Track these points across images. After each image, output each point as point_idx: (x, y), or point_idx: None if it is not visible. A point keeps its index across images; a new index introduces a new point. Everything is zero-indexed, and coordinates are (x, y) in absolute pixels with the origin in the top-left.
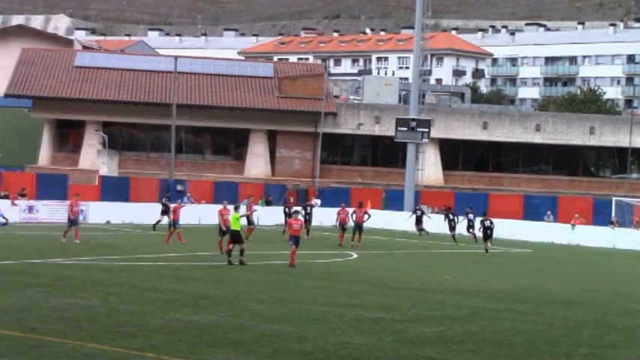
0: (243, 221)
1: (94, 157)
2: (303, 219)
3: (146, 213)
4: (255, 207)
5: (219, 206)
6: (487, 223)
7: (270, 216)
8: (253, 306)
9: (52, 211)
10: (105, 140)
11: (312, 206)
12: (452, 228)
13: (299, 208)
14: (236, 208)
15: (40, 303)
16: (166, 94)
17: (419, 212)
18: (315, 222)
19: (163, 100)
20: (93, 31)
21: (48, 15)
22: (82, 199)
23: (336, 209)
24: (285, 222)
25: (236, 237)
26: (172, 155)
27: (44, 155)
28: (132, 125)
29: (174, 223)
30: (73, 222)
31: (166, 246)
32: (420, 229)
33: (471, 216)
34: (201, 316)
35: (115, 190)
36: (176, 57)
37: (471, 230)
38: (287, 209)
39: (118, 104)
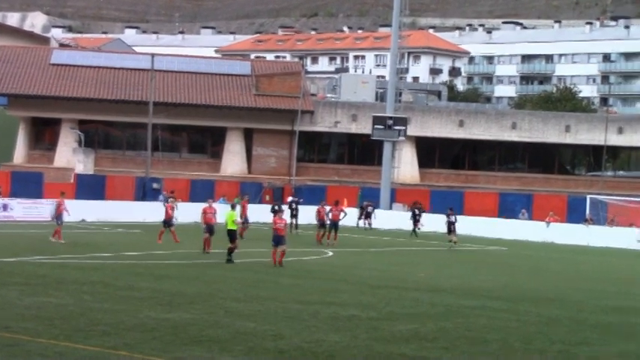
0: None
1: (70, 155)
2: (290, 216)
3: (122, 211)
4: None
5: (201, 205)
6: (452, 218)
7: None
8: (229, 304)
9: (27, 210)
10: (81, 138)
11: (297, 202)
12: (415, 222)
13: (285, 206)
14: (233, 207)
15: (14, 301)
16: (143, 92)
17: (370, 208)
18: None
19: (140, 98)
20: (70, 29)
21: (24, 12)
22: (57, 197)
23: (315, 207)
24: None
25: (232, 236)
26: (149, 153)
27: (19, 153)
28: (108, 123)
29: (167, 222)
30: (59, 220)
31: (142, 244)
32: (369, 224)
33: (452, 218)
34: (176, 314)
35: (90, 188)
36: (153, 55)
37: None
38: (275, 207)
39: (94, 102)
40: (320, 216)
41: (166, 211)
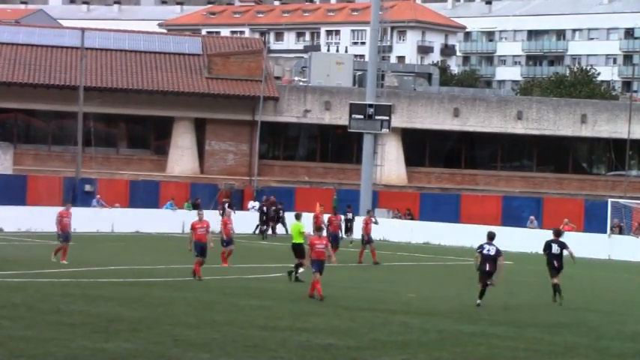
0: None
1: None
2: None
3: (47, 219)
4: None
5: (136, 210)
6: (349, 216)
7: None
8: (178, 331)
9: None
10: None
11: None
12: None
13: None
14: (298, 217)
15: None
16: (71, 75)
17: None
18: (253, 229)
19: (67, 82)
20: None
21: None
22: None
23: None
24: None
25: (299, 250)
26: (79, 149)
27: None
28: (29, 112)
29: (226, 241)
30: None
31: (72, 259)
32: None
33: (349, 215)
34: (114, 343)
35: (8, 190)
36: (83, 29)
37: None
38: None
39: (11, 87)
40: (332, 228)
41: (224, 227)
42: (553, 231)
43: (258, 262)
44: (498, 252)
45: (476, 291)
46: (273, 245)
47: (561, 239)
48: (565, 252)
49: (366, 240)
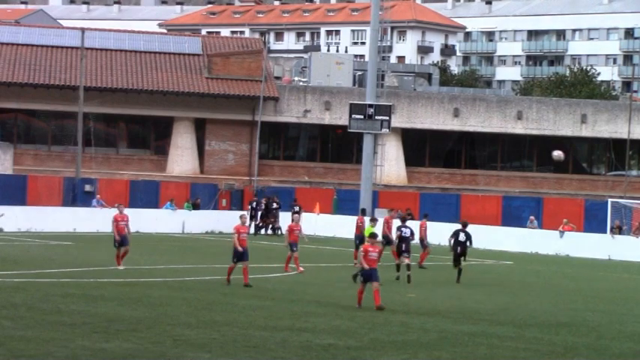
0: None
1: None
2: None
3: (47, 219)
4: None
5: (136, 210)
6: (296, 208)
7: (200, 222)
8: (178, 331)
9: None
10: None
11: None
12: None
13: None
14: (373, 220)
15: None
16: (71, 75)
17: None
18: (253, 229)
19: (67, 82)
20: None
21: None
22: None
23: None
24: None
25: None
26: (79, 149)
27: None
28: (29, 112)
29: (291, 247)
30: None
31: (73, 259)
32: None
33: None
34: (114, 343)
35: (8, 190)
36: (83, 29)
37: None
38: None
39: (11, 87)
40: (357, 231)
41: (291, 232)
42: (461, 223)
43: (258, 262)
44: (412, 233)
45: (476, 291)
46: (273, 245)
47: (467, 230)
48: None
49: (424, 244)
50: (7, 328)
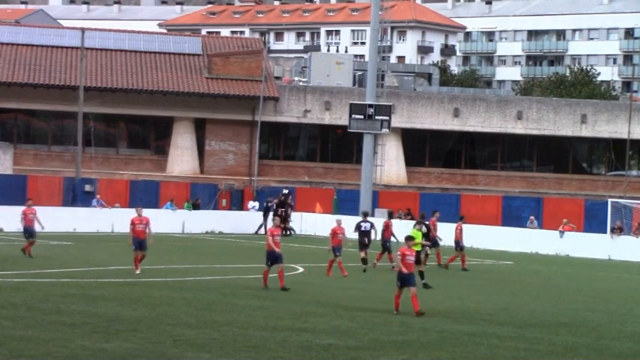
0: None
1: None
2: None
3: (47, 219)
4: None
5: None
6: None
7: (200, 222)
8: (178, 331)
9: None
10: None
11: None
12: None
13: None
14: (419, 223)
15: None
16: (71, 75)
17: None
18: (253, 229)
19: (67, 82)
20: None
21: None
22: None
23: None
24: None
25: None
26: (79, 149)
27: None
28: (29, 112)
29: (334, 251)
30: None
31: (72, 259)
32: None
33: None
34: (114, 343)
35: (8, 190)
36: (83, 29)
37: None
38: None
39: (11, 87)
40: (386, 234)
41: (334, 236)
42: (362, 213)
43: (259, 262)
44: (372, 226)
45: (476, 291)
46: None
47: (369, 219)
48: (373, 231)
49: (460, 246)
50: (7, 328)
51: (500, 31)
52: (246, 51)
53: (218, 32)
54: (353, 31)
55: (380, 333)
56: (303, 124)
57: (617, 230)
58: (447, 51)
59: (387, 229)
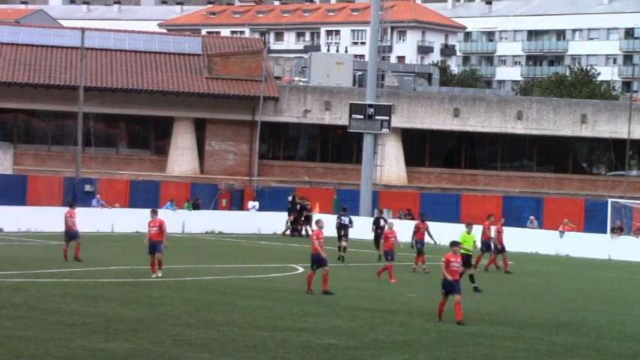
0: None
1: None
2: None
3: (47, 219)
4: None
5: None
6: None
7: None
8: (178, 330)
9: None
10: None
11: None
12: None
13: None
14: (468, 225)
15: None
16: (71, 75)
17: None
18: (253, 229)
19: (67, 82)
20: None
21: None
22: None
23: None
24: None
25: (466, 261)
26: (79, 149)
27: None
28: (29, 112)
29: (386, 255)
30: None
31: (71, 260)
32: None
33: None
34: (114, 343)
35: (8, 190)
36: (83, 29)
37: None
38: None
39: (11, 87)
40: (418, 236)
41: (386, 240)
42: (342, 208)
43: (259, 262)
44: (351, 221)
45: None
46: (273, 245)
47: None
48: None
49: (500, 249)
50: (7, 328)
51: (500, 31)
52: (246, 51)
53: (218, 32)
54: (353, 31)
55: (380, 333)
56: (303, 124)
57: (617, 230)
58: (447, 51)
59: (417, 232)
